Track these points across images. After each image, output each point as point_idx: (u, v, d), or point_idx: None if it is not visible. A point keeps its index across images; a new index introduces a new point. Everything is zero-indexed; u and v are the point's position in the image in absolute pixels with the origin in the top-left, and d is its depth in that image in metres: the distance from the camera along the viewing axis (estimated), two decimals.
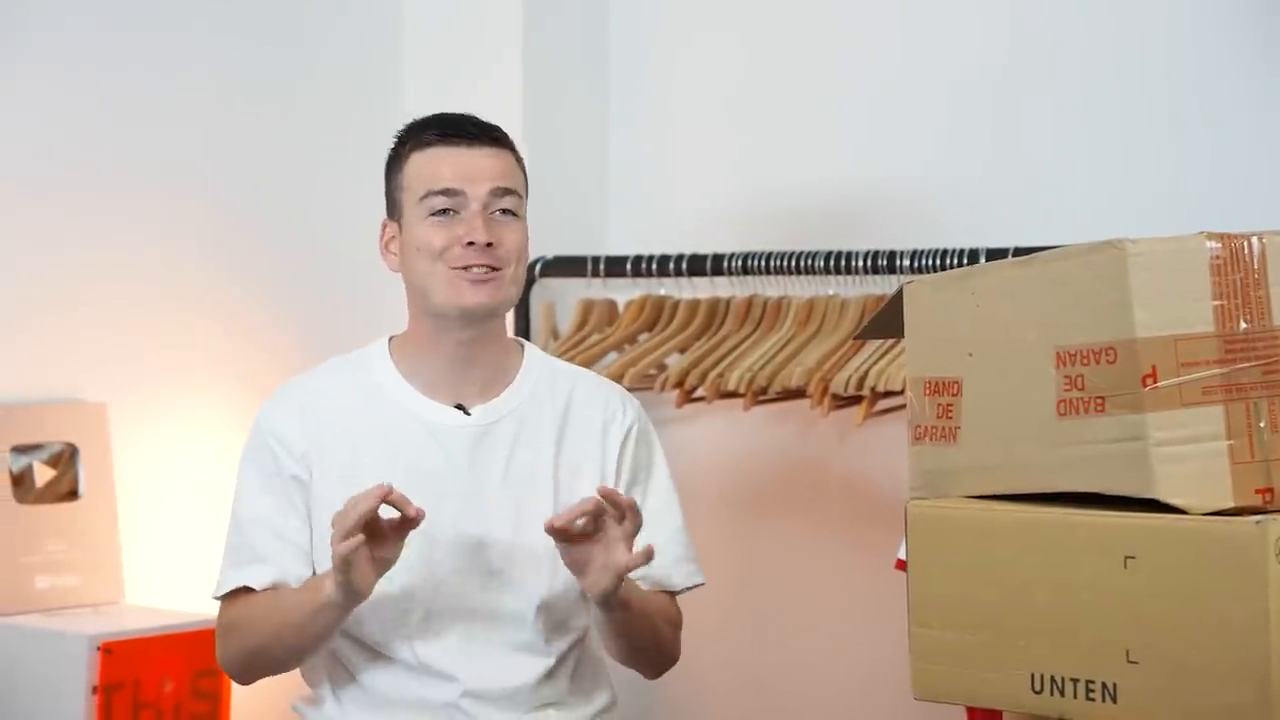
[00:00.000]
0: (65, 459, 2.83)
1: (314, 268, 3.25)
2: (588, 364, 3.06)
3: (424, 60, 3.37)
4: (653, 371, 3.00)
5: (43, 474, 2.80)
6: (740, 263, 2.97)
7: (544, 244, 3.24)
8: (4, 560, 2.71)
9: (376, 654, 2.08)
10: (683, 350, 3.01)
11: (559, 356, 3.06)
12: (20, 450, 2.77)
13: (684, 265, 3.04)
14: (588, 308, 3.18)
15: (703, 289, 3.06)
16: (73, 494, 2.82)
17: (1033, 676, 1.70)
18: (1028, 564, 1.71)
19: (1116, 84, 2.82)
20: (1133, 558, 1.64)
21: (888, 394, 2.73)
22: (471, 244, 2.02)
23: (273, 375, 3.15)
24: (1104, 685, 1.66)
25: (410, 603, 2.04)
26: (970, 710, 2.60)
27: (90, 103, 2.92)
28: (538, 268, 3.19)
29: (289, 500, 2.07)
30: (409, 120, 2.16)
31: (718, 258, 3.00)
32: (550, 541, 1.98)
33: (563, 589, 2.07)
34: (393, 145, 2.14)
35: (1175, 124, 2.77)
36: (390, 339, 2.15)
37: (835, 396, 2.77)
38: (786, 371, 2.82)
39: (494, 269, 2.04)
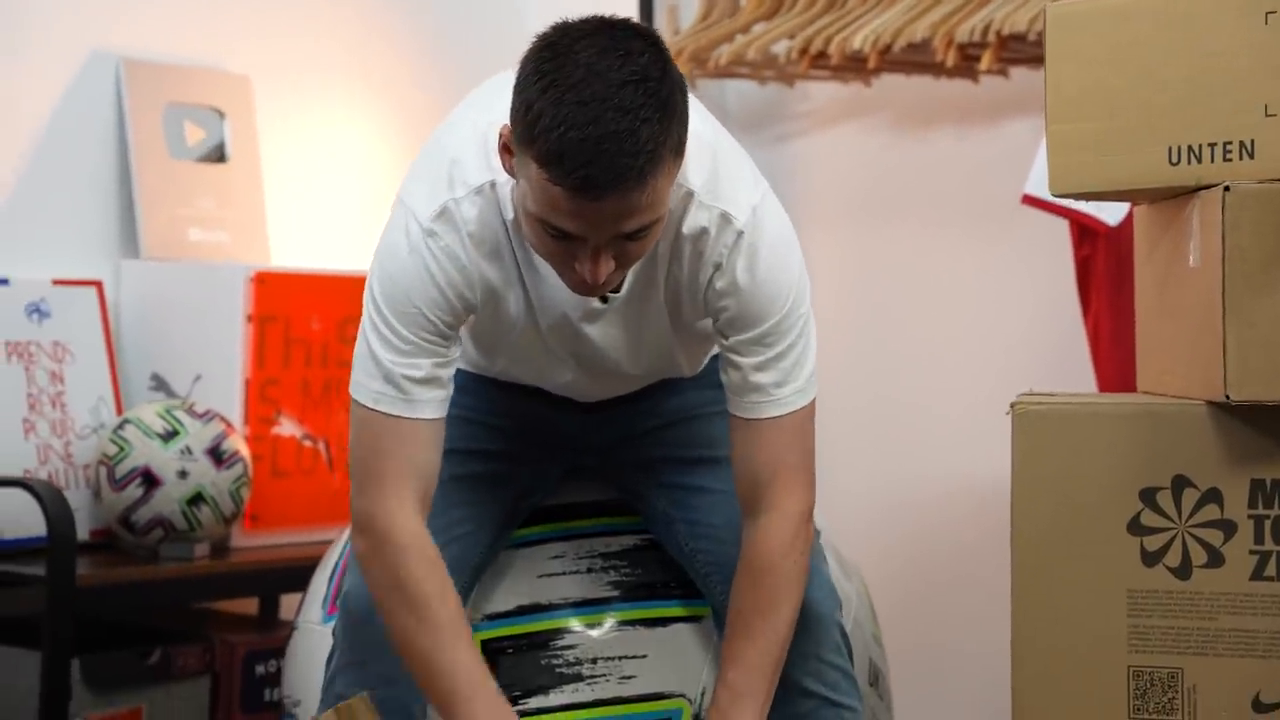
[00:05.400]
0: (213, 123, 2.92)
1: None
2: (705, 50, 3.12)
3: None
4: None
5: (193, 134, 2.90)
6: None
7: None
8: (160, 209, 2.81)
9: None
10: (792, 36, 3.04)
11: (679, 48, 3.13)
12: (172, 107, 2.87)
13: None
14: (711, 2, 3.22)
15: None
16: (220, 158, 2.92)
17: (1170, 150, 1.75)
18: (1165, 40, 1.74)
19: None
20: (1274, 12, 1.67)
21: (1014, 38, 2.76)
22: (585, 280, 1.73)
23: (403, 79, 3.23)
24: (1241, 144, 1.71)
25: None
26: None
27: None
28: None
29: None
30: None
31: None
32: None
33: None
34: (516, 105, 1.67)
35: None
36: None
37: (961, 47, 2.81)
38: (912, 28, 2.86)
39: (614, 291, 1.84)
